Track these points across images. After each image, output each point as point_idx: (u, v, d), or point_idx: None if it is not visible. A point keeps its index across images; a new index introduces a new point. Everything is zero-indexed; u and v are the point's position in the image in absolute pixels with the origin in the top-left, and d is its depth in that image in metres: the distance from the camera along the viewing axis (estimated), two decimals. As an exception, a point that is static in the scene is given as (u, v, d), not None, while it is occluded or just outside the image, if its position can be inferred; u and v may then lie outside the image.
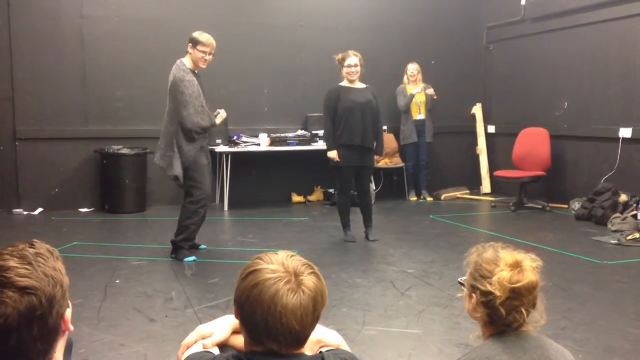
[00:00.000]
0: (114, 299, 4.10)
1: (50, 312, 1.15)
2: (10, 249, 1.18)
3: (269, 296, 1.29)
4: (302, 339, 1.35)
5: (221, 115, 5.22)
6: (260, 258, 1.38)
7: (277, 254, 1.39)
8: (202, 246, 5.40)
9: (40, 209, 7.24)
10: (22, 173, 7.24)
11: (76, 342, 1.90)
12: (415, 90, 8.05)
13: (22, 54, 7.13)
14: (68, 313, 1.21)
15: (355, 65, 5.58)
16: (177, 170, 4.94)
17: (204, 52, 4.94)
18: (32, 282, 1.13)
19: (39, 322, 1.13)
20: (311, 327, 1.35)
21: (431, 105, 8.20)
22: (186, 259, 5.02)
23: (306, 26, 8.18)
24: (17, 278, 1.12)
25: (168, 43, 7.40)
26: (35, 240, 1.23)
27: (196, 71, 5.04)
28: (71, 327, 1.22)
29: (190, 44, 4.97)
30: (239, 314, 1.36)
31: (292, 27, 8.14)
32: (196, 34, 4.99)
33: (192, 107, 4.89)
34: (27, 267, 1.14)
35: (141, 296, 4.15)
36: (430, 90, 8.09)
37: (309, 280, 1.33)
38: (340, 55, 5.68)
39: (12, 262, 1.14)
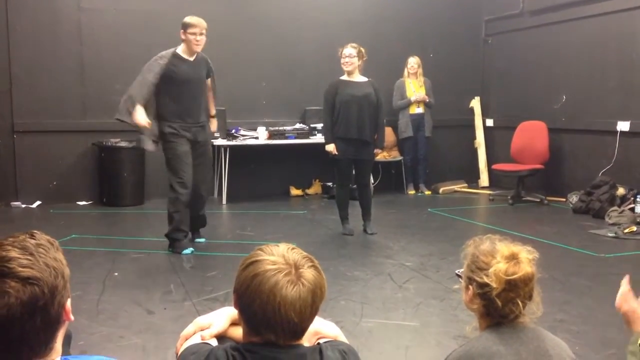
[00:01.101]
0: (113, 291, 4.11)
1: (52, 303, 1.15)
2: (11, 239, 1.19)
3: (268, 287, 1.30)
4: (300, 331, 1.36)
5: (139, 118, 4.85)
6: (261, 249, 1.39)
7: (278, 246, 1.40)
8: (202, 240, 5.41)
9: (38, 202, 7.24)
10: (20, 166, 7.23)
11: (75, 334, 1.90)
12: (414, 97, 8.06)
13: (20, 46, 7.10)
14: (69, 303, 1.22)
15: (350, 56, 5.58)
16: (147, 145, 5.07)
17: (193, 33, 4.98)
18: (34, 273, 1.14)
19: (41, 313, 1.14)
20: (309, 319, 1.36)
21: (430, 100, 8.19)
22: (184, 252, 5.01)
23: (304, 19, 8.16)
24: (20, 269, 1.13)
25: (166, 35, 7.33)
26: (35, 231, 1.23)
27: (192, 59, 5.07)
28: (72, 317, 1.22)
29: (182, 30, 5.04)
30: (238, 304, 1.37)
31: (290, 20, 8.12)
32: (186, 19, 5.07)
33: (141, 76, 4.95)
34: (29, 257, 1.15)
35: (140, 289, 4.16)
36: (422, 95, 8.10)
37: (308, 273, 1.35)
38: (341, 48, 5.69)
39: (14, 253, 1.15)
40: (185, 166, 5.00)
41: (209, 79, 5.34)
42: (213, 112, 5.49)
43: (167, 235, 5.11)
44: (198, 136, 5.12)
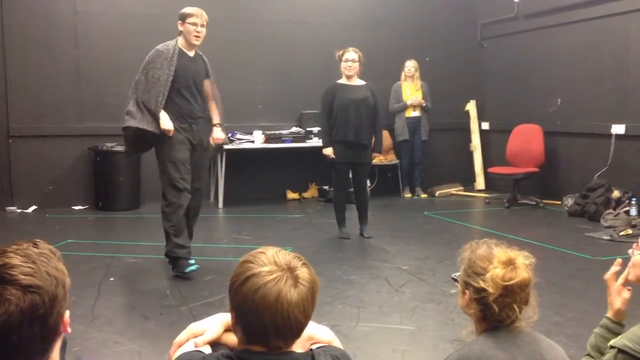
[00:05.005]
0: (108, 296, 4.09)
1: (52, 312, 1.15)
2: (14, 247, 1.18)
3: (273, 297, 1.30)
4: (303, 328, 1.39)
5: (165, 123, 4.37)
6: (249, 262, 1.36)
7: (264, 252, 1.38)
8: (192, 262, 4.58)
9: (33, 207, 7.21)
10: (15, 170, 7.21)
11: (70, 340, 1.89)
12: (410, 101, 8.08)
13: (15, 50, 7.09)
14: (67, 315, 1.21)
15: (353, 61, 5.59)
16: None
17: (194, 23, 4.48)
18: (36, 281, 1.13)
19: (40, 321, 1.13)
20: (312, 314, 1.39)
21: (427, 104, 8.20)
22: (188, 269, 4.45)
23: (300, 23, 8.17)
24: (22, 276, 1.12)
25: (163, 39, 7.30)
26: (38, 240, 1.23)
27: (191, 54, 4.60)
28: (69, 330, 1.22)
29: (180, 20, 4.54)
30: (241, 320, 1.35)
31: (286, 23, 8.12)
32: (185, 9, 4.61)
33: (145, 75, 4.45)
34: (32, 265, 1.15)
35: (135, 294, 4.15)
36: (418, 99, 8.11)
37: (304, 273, 1.36)
38: (341, 52, 5.68)
39: (16, 260, 1.14)
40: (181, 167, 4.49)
41: (207, 81, 4.74)
42: (215, 120, 4.80)
43: (166, 254, 4.58)
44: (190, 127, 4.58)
